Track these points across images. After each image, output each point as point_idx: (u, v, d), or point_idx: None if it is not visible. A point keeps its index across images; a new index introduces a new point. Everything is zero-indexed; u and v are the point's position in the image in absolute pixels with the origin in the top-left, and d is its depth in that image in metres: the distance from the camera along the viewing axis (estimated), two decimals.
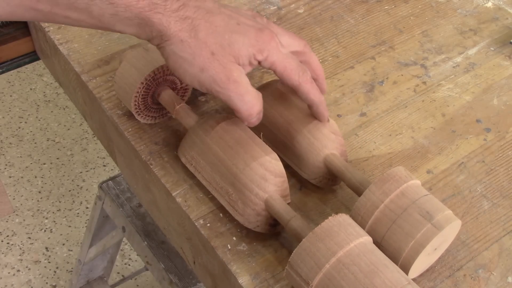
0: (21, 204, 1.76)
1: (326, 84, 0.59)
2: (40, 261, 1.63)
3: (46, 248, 1.66)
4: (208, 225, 0.53)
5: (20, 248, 1.66)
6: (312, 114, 0.55)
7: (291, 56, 0.51)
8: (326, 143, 0.54)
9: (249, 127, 0.55)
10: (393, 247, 0.47)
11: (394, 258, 0.47)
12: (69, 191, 1.80)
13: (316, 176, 0.55)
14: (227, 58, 0.48)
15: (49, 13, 0.47)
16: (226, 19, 0.49)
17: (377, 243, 0.48)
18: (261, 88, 0.59)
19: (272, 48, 0.50)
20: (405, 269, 0.47)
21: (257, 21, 0.52)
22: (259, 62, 0.50)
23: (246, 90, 0.49)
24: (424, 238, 0.47)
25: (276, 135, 0.56)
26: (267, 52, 0.49)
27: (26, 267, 1.62)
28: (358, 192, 0.51)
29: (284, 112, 0.56)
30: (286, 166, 0.54)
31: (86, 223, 1.72)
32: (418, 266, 0.49)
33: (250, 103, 0.50)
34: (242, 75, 0.49)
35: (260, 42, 0.49)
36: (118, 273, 1.62)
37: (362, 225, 0.48)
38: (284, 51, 0.50)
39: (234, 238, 0.52)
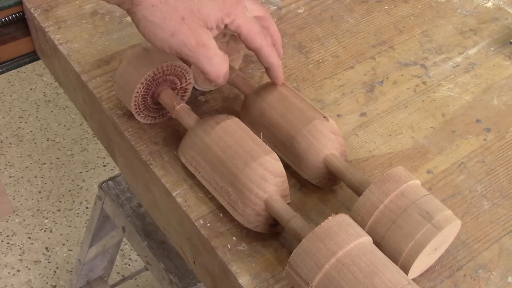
0: (21, 204, 1.76)
1: (326, 84, 0.58)
2: (40, 261, 1.63)
3: (46, 248, 1.66)
4: (208, 225, 0.53)
5: (20, 248, 1.66)
6: (269, 77, 0.57)
7: (255, 20, 0.53)
8: (325, 143, 0.54)
9: (251, 127, 0.55)
10: (392, 248, 0.47)
11: (394, 258, 0.47)
12: (69, 191, 1.80)
13: (316, 176, 0.55)
14: (197, 22, 0.50)
15: None
16: None
17: (376, 243, 0.48)
18: (261, 88, 0.59)
19: (238, 12, 0.52)
20: (405, 269, 0.47)
21: None
22: (226, 26, 0.52)
23: (214, 53, 0.51)
24: (424, 239, 0.47)
25: (276, 135, 0.56)
26: (233, 16, 0.52)
27: (26, 267, 1.62)
28: (358, 192, 0.51)
29: (283, 112, 0.56)
30: (286, 166, 0.54)
31: (86, 223, 1.72)
32: (418, 266, 0.49)
33: (218, 65, 0.51)
34: (210, 39, 0.50)
35: (228, 6, 0.51)
36: (118, 273, 1.62)
37: (362, 225, 0.48)
38: (249, 15, 0.53)
39: (234, 238, 0.52)
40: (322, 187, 0.56)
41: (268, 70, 0.57)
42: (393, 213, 0.48)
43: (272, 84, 0.59)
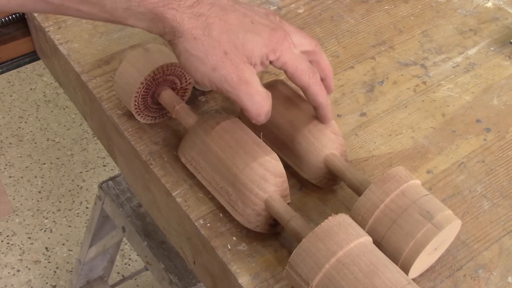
0: (21, 204, 1.76)
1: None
2: (40, 261, 1.63)
3: (46, 248, 1.66)
4: (208, 225, 0.53)
5: (20, 248, 1.66)
6: (317, 117, 0.55)
7: (302, 56, 0.51)
8: (326, 143, 0.54)
9: (251, 127, 0.55)
10: (393, 247, 0.47)
11: (394, 258, 0.47)
12: (69, 191, 1.80)
13: (316, 176, 0.55)
14: (240, 58, 0.48)
15: (61, 6, 0.47)
16: (240, 17, 0.49)
17: (377, 243, 0.48)
18: None
19: (285, 49, 0.49)
20: (405, 269, 0.47)
21: (271, 19, 0.51)
22: (271, 62, 0.50)
23: (256, 90, 0.49)
24: (425, 238, 0.47)
25: (276, 135, 0.56)
26: (279, 53, 0.49)
27: (26, 267, 1.62)
28: (359, 192, 0.51)
29: (284, 112, 0.56)
30: (286, 166, 0.54)
31: (86, 223, 1.72)
32: (418, 266, 0.49)
33: (260, 103, 0.49)
34: (253, 76, 0.49)
35: (274, 42, 0.49)
36: (118, 273, 1.62)
37: (362, 225, 0.48)
38: (296, 52, 0.50)
39: (234, 238, 0.52)
40: (322, 187, 0.56)
41: (316, 109, 0.54)
42: (393, 212, 0.48)
43: (273, 84, 0.59)
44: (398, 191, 0.48)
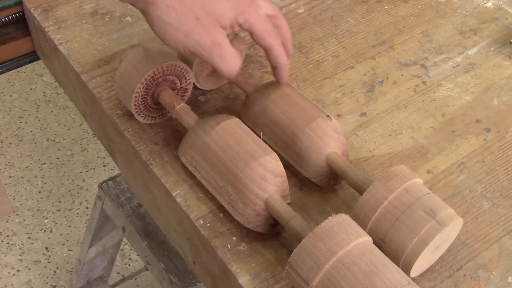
0: (21, 204, 1.76)
1: (326, 84, 0.58)
2: (40, 261, 1.63)
3: (46, 248, 1.66)
4: (208, 225, 0.53)
5: (20, 248, 1.66)
6: (275, 76, 0.57)
7: (267, 19, 0.54)
8: (328, 141, 0.54)
9: (251, 127, 0.55)
10: (396, 244, 0.47)
11: (397, 255, 0.47)
12: (69, 191, 1.80)
13: (318, 175, 0.55)
14: (211, 22, 0.50)
15: None
16: None
17: (380, 240, 0.48)
18: (264, 87, 0.59)
19: (252, 11, 0.52)
20: (408, 266, 0.47)
21: None
22: (239, 25, 0.53)
23: (228, 51, 0.51)
24: (428, 235, 0.47)
25: (277, 134, 0.56)
26: (247, 15, 0.52)
27: (26, 267, 1.62)
28: (360, 191, 0.51)
29: (286, 110, 0.56)
30: (287, 166, 0.54)
31: (86, 223, 1.72)
32: (420, 264, 0.49)
33: (232, 63, 0.52)
34: (224, 38, 0.51)
35: (242, 5, 0.52)
36: (118, 273, 1.62)
37: (365, 221, 0.48)
38: (262, 14, 0.53)
39: (234, 238, 0.52)
40: (323, 186, 0.56)
41: (275, 69, 0.57)
42: (397, 209, 0.48)
43: (275, 83, 0.59)
44: (401, 188, 0.48)
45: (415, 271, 0.49)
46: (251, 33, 0.54)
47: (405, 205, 0.48)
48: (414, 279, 0.51)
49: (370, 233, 0.48)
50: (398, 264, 0.48)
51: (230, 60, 0.52)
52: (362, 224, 0.48)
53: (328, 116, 0.55)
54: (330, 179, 0.55)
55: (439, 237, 0.47)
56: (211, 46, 0.50)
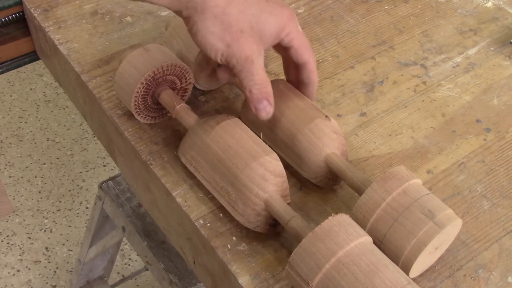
0: (21, 204, 1.76)
1: (326, 84, 0.60)
2: (40, 261, 1.63)
3: (46, 248, 1.66)
4: (208, 225, 0.53)
5: (20, 248, 1.66)
6: (304, 92, 0.58)
7: (304, 35, 0.55)
8: (327, 142, 0.54)
9: (251, 127, 0.55)
10: (394, 245, 0.47)
11: (395, 256, 0.47)
12: (69, 191, 1.80)
13: (317, 175, 0.55)
14: (253, 37, 0.51)
15: None
16: None
17: (378, 241, 0.48)
18: None
19: (292, 27, 0.53)
20: (407, 267, 0.47)
21: None
22: (280, 40, 0.54)
23: (257, 71, 0.52)
24: (426, 236, 0.47)
25: (276, 134, 0.56)
26: (288, 30, 0.53)
27: (26, 267, 1.62)
28: (359, 191, 0.51)
29: (285, 111, 0.56)
30: (287, 166, 0.54)
31: (86, 223, 1.72)
32: (419, 265, 0.49)
33: (259, 84, 0.52)
34: (259, 57, 0.52)
35: (285, 20, 0.53)
36: (118, 273, 1.62)
37: (363, 223, 0.48)
38: (300, 29, 0.55)
39: (234, 238, 0.52)
40: (322, 187, 0.56)
41: (306, 86, 0.57)
42: (395, 211, 0.48)
43: (274, 83, 0.59)
44: (399, 189, 0.48)
45: (414, 272, 0.49)
46: (290, 48, 0.54)
47: (403, 206, 0.48)
48: (414, 279, 0.50)
49: (369, 234, 0.48)
50: (398, 263, 0.48)
51: (257, 79, 0.52)
52: (361, 225, 0.48)
53: (326, 116, 0.55)
54: (329, 180, 0.55)
55: (437, 238, 0.47)
56: (245, 60, 0.51)
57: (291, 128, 0.55)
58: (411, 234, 0.47)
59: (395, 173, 0.49)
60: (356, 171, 0.53)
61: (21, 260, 1.63)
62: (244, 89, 0.52)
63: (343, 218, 0.46)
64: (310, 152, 0.54)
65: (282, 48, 0.56)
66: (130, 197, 1.02)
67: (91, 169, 1.86)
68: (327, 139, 0.54)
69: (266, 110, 0.52)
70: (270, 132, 0.57)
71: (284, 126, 0.55)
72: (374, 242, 0.48)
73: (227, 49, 0.51)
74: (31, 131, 1.96)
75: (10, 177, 1.82)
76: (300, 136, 0.54)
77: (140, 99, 0.58)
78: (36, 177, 1.83)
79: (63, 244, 1.67)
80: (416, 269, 0.49)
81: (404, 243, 0.47)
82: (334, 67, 0.70)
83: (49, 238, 1.68)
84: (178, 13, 0.51)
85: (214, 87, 0.65)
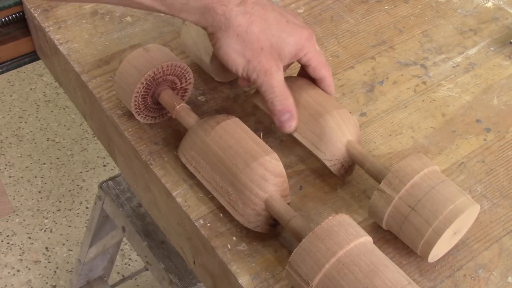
0: (21, 204, 1.76)
1: None
2: (40, 261, 1.63)
3: (46, 248, 1.66)
4: (208, 225, 0.53)
5: (20, 248, 1.66)
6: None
7: (321, 52, 0.59)
8: (351, 129, 0.56)
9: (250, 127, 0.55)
10: (429, 210, 0.48)
11: (427, 222, 0.48)
12: (69, 191, 1.80)
13: (333, 157, 0.55)
14: (273, 54, 0.55)
15: None
16: (278, 17, 0.55)
17: (409, 207, 0.49)
18: (288, 79, 0.59)
19: (310, 46, 0.57)
20: (438, 234, 0.48)
21: (299, 19, 0.58)
22: (298, 59, 0.57)
23: (277, 83, 0.55)
24: (462, 206, 0.48)
25: (301, 112, 0.57)
26: (306, 50, 0.56)
27: (26, 267, 1.62)
28: (378, 178, 0.53)
29: (313, 93, 0.58)
30: (287, 166, 0.54)
31: (86, 223, 1.72)
32: (441, 246, 0.50)
33: (280, 96, 0.55)
34: (279, 71, 0.55)
35: (303, 41, 0.56)
36: (118, 273, 1.62)
37: (398, 187, 0.50)
38: (317, 48, 0.58)
39: (234, 238, 0.52)
40: (332, 173, 0.56)
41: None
42: (432, 180, 0.50)
43: (293, 79, 0.60)
44: (435, 166, 0.51)
45: (434, 254, 0.50)
46: (308, 66, 0.57)
47: (439, 179, 0.50)
48: (414, 279, 0.51)
49: (401, 199, 0.49)
50: (424, 234, 0.48)
51: (277, 91, 0.55)
52: (395, 189, 0.50)
53: (350, 112, 0.57)
54: (342, 166, 0.55)
55: (468, 212, 0.49)
56: (265, 74, 0.54)
57: (318, 108, 0.56)
58: (448, 200, 0.48)
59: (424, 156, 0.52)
60: (375, 159, 0.54)
61: (21, 260, 1.63)
62: (266, 102, 0.55)
63: (343, 218, 0.46)
64: (334, 132, 0.55)
65: (300, 64, 0.58)
66: (130, 197, 1.02)
67: (91, 169, 1.86)
68: (352, 127, 0.56)
69: (289, 122, 0.55)
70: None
71: (310, 105, 0.57)
72: (402, 209, 0.49)
73: (248, 64, 0.54)
74: (31, 131, 1.96)
75: (10, 177, 1.82)
76: (328, 116, 0.55)
77: (140, 99, 0.58)
78: (36, 177, 1.83)
79: (63, 244, 1.67)
80: (436, 251, 0.50)
81: (440, 208, 0.48)
82: (334, 67, 0.70)
83: (49, 238, 1.68)
84: (204, 28, 0.54)
85: (231, 79, 0.66)
